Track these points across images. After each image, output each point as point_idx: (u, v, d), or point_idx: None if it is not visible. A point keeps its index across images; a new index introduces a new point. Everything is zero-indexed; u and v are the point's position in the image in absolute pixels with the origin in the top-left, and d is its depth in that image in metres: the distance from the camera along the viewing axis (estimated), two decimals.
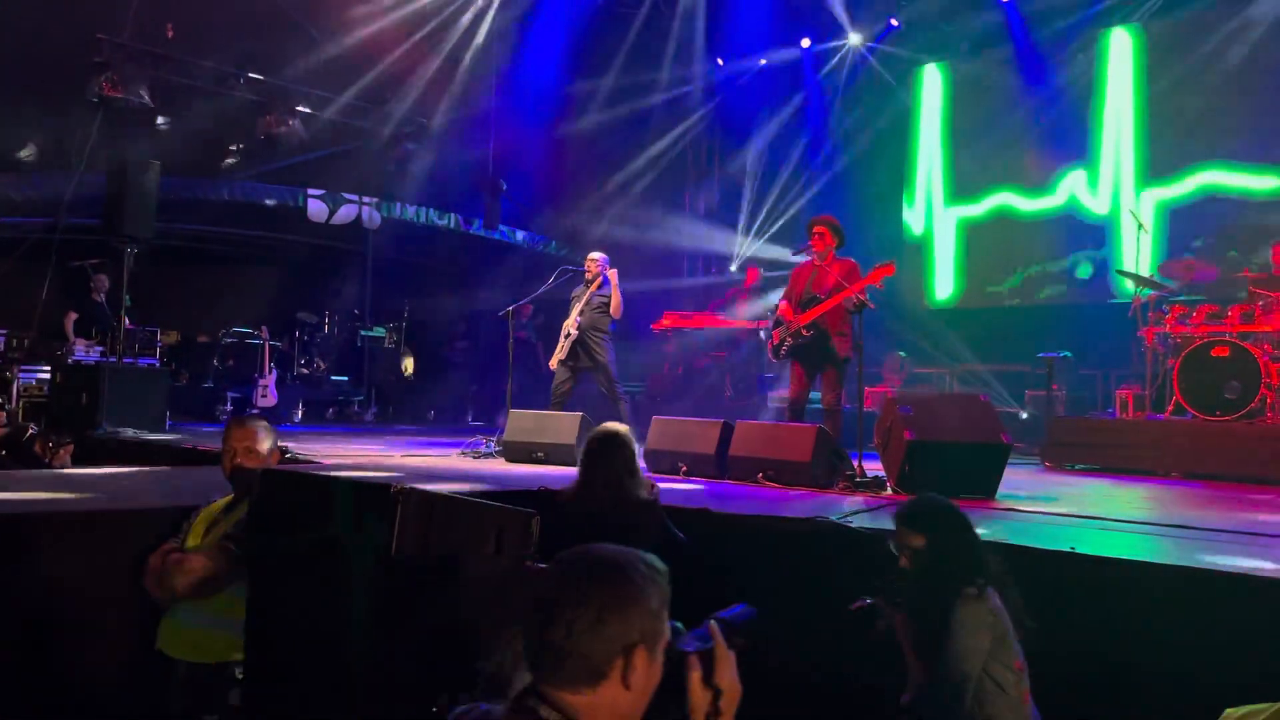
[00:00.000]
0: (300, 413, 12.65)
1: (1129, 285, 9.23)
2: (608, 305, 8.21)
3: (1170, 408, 8.01)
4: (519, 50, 13.83)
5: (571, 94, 13.90)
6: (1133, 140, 11.61)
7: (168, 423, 9.53)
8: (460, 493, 4.50)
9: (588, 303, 8.26)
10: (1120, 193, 11.58)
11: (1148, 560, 3.54)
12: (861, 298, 6.51)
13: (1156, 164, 11.40)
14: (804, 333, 6.92)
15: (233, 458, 3.47)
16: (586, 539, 2.91)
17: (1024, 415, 10.32)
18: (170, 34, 11.49)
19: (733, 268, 14.35)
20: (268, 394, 11.92)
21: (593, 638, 1.51)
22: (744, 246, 14.26)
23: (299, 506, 3.03)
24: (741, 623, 1.75)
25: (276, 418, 11.61)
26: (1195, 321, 8.15)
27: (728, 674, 1.67)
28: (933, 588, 2.96)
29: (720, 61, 14.44)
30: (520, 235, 15.15)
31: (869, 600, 3.12)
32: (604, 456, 4.06)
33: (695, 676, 1.63)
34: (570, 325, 8.23)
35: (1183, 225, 11.06)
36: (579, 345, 8.21)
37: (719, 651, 1.67)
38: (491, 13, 13.09)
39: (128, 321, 9.94)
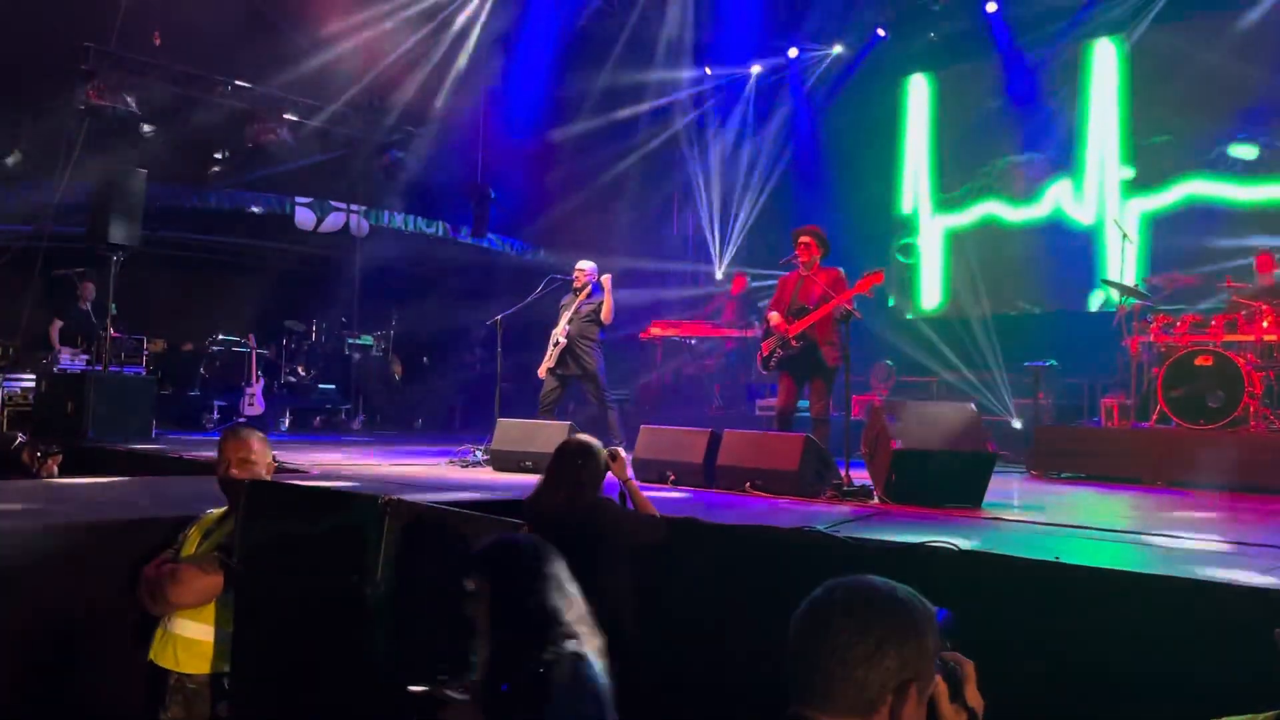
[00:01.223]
0: (287, 421, 12.61)
1: (1114, 295, 9.30)
2: (596, 314, 8.23)
3: (1155, 416, 8.06)
4: (508, 59, 13.85)
5: (560, 103, 13.93)
6: (1117, 151, 11.70)
7: (154, 432, 9.50)
8: (448, 502, 4.51)
9: (576, 311, 8.28)
10: (1105, 203, 11.67)
11: (1132, 570, 3.57)
12: (849, 308, 6.55)
13: (1141, 174, 11.49)
14: (793, 343, 6.96)
15: (227, 468, 3.47)
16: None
17: (1017, 424, 10.31)
18: (158, 42, 11.47)
19: (718, 275, 14.40)
20: (255, 402, 11.87)
21: (868, 669, 1.47)
22: (731, 255, 14.31)
23: (288, 518, 3.04)
24: (950, 629, 1.69)
25: (263, 426, 11.55)
26: (1179, 331, 8.22)
27: (974, 690, 1.62)
28: (503, 656, 2.25)
29: (708, 70, 14.49)
30: (508, 244, 15.16)
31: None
32: (571, 466, 4.13)
33: (944, 698, 1.58)
34: (559, 334, 8.26)
35: (1167, 235, 11.14)
36: (567, 354, 8.23)
37: (966, 670, 1.62)
38: (481, 22, 13.12)
39: (113, 330, 9.91)
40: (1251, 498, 6.58)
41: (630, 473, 4.54)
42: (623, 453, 4.53)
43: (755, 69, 14.27)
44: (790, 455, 6.09)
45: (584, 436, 4.36)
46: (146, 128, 11.67)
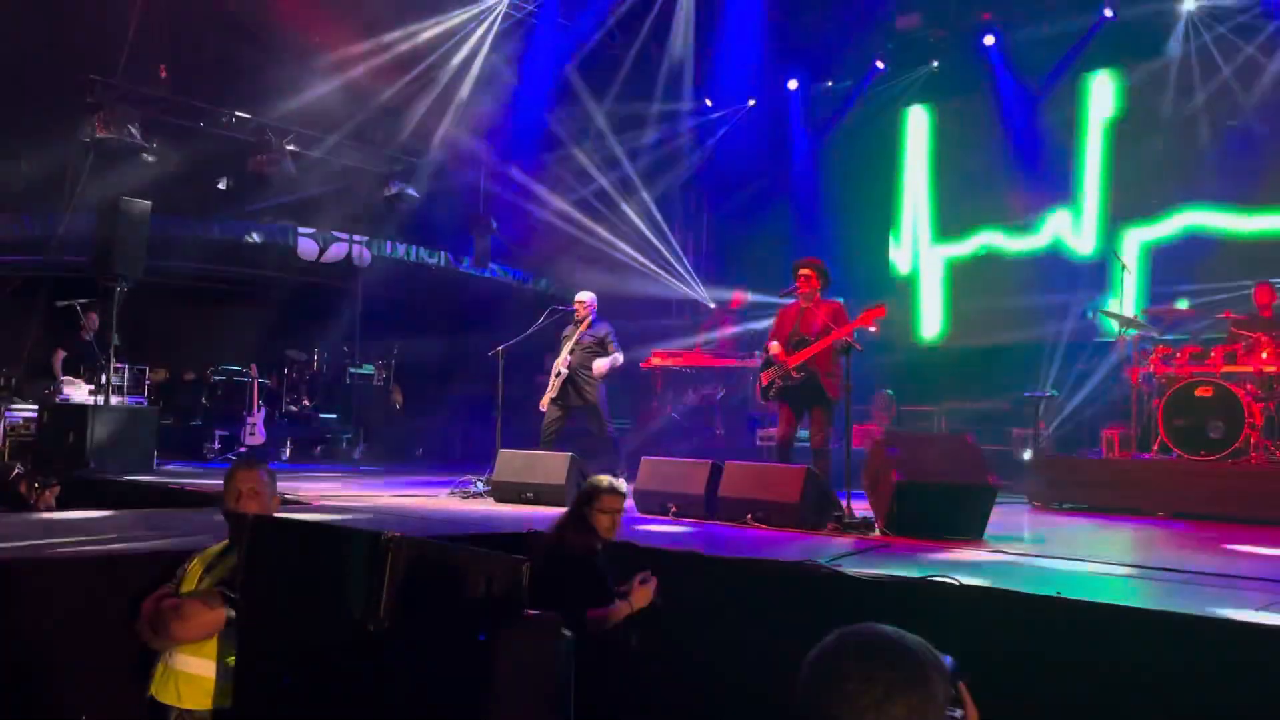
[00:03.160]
0: (288, 450, 12.61)
1: (1114, 325, 9.33)
2: (597, 345, 8.28)
3: (1155, 447, 8.08)
4: (510, 89, 13.97)
5: (562, 133, 14.03)
6: (1116, 181, 11.77)
7: (155, 462, 9.50)
8: (450, 536, 4.52)
9: (578, 342, 8.33)
10: (1104, 233, 11.72)
11: (1133, 605, 3.57)
12: (849, 339, 6.58)
13: (1139, 204, 11.54)
14: (794, 375, 6.99)
15: (235, 500, 3.47)
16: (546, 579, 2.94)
17: (1027, 456, 10.22)
18: (163, 75, 11.59)
19: (710, 304, 14.49)
20: (256, 432, 11.88)
21: (877, 717, 1.47)
22: (730, 284, 14.35)
23: (291, 553, 3.04)
24: (955, 676, 1.68)
25: (264, 455, 11.57)
26: (1179, 362, 8.24)
27: None
28: None
29: (709, 102, 14.61)
30: (510, 273, 15.22)
31: None
32: (576, 504, 4.28)
33: None
34: (561, 365, 8.29)
35: (1166, 265, 11.19)
36: (569, 384, 8.27)
37: None
38: (484, 52, 13.24)
39: (116, 360, 9.93)
40: (1253, 529, 6.58)
41: (639, 601, 4.05)
42: (640, 592, 4.05)
43: (755, 100, 14.39)
44: (791, 487, 6.10)
45: (602, 479, 4.35)
46: (151, 159, 11.74)
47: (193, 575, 3.41)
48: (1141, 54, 11.56)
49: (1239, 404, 7.64)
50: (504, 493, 7.37)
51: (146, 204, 9.77)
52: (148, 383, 11.31)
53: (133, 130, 11.34)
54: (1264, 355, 7.87)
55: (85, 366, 10.59)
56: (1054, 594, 3.63)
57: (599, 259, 13.70)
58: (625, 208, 14.18)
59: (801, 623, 4.03)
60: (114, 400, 9.72)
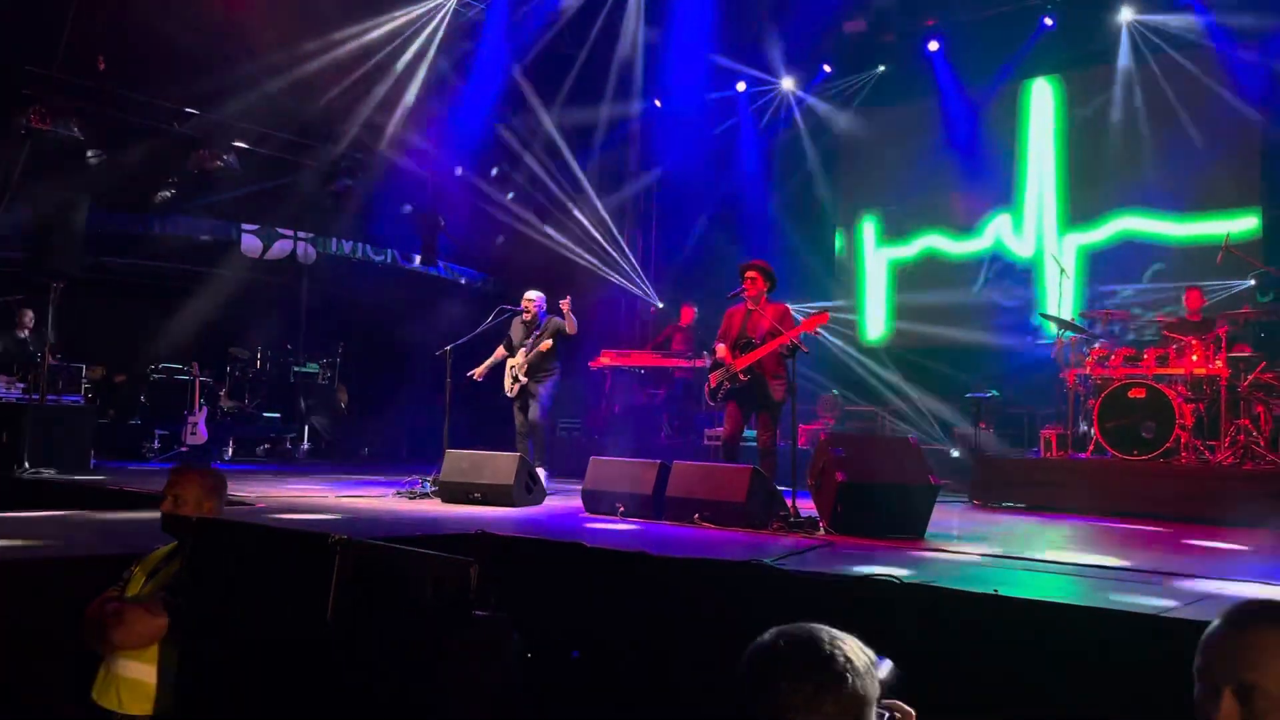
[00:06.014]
0: (231, 450, 12.40)
1: (1052, 328, 9.56)
2: (551, 348, 8.41)
3: (1091, 447, 8.29)
4: (459, 88, 13.88)
5: (511, 131, 13.99)
6: (1055, 186, 12.05)
7: (92, 462, 9.30)
8: (397, 538, 4.50)
9: (530, 344, 8.42)
10: (1044, 237, 11.99)
11: (1068, 602, 3.67)
12: (795, 342, 6.66)
13: (1077, 209, 11.83)
14: (741, 377, 7.06)
15: (172, 505, 3.43)
16: None
17: (955, 454, 10.50)
18: (101, 66, 11.33)
19: (658, 304, 14.55)
20: (197, 431, 11.67)
21: (807, 715, 1.49)
22: (676, 285, 14.41)
23: (235, 557, 3.02)
24: (890, 679, 1.69)
25: (207, 455, 11.38)
26: (1113, 364, 8.47)
27: None
28: None
29: (658, 103, 14.67)
30: (459, 272, 15.13)
31: None
32: None
33: None
34: (519, 370, 8.39)
35: (1102, 269, 11.47)
36: (525, 389, 8.41)
37: None
38: (433, 50, 13.15)
39: (52, 357, 9.71)
40: (1183, 526, 6.78)
41: None
42: None
43: (703, 102, 14.46)
44: (738, 487, 6.16)
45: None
46: (90, 153, 11.49)
47: (137, 580, 3.37)
48: (1080, 63, 11.86)
49: (1170, 405, 7.87)
50: (451, 493, 7.34)
51: (85, 199, 9.57)
52: (85, 381, 11.05)
53: (71, 124, 11.08)
54: (1194, 358, 8.11)
55: (19, 365, 10.33)
56: (992, 591, 3.72)
57: (548, 258, 13.69)
58: (574, 207, 14.18)
59: (747, 621, 4.08)
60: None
